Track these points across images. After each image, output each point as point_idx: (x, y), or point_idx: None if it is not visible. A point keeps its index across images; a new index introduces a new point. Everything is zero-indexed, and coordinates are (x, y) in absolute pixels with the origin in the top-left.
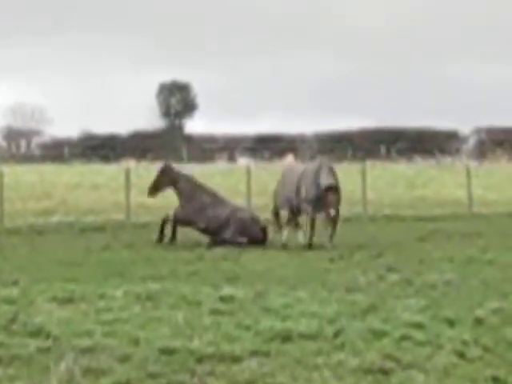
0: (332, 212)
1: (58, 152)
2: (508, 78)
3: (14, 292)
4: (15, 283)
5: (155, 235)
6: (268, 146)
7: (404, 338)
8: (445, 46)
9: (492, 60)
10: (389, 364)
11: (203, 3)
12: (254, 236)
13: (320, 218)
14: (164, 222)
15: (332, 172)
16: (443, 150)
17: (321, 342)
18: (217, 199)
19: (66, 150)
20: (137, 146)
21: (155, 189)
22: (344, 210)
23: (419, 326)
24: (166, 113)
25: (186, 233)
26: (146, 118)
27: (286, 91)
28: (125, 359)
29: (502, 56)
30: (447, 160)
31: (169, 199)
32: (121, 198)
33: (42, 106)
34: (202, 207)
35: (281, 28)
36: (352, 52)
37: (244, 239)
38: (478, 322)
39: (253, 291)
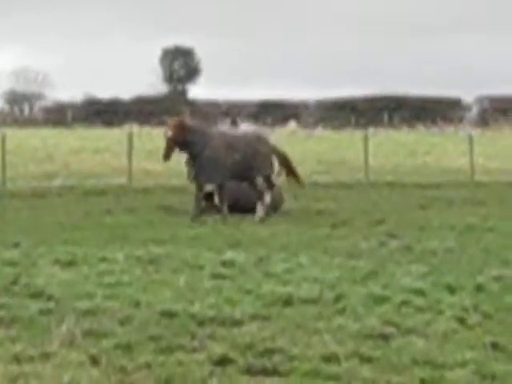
0: None
1: (60, 116)
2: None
3: (16, 254)
4: (17, 245)
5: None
6: (271, 112)
7: (404, 303)
8: (448, 16)
9: (496, 30)
10: (389, 329)
11: None
12: None
13: None
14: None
15: None
16: (446, 118)
17: (321, 307)
18: None
19: (69, 114)
20: (140, 110)
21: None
22: (346, 176)
23: (419, 292)
24: (169, 78)
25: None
26: (149, 83)
27: (289, 58)
28: (126, 322)
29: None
30: (450, 128)
31: (170, 165)
32: (123, 162)
33: (46, 70)
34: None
35: None
36: (356, 23)
37: None
38: (479, 288)
39: (254, 256)
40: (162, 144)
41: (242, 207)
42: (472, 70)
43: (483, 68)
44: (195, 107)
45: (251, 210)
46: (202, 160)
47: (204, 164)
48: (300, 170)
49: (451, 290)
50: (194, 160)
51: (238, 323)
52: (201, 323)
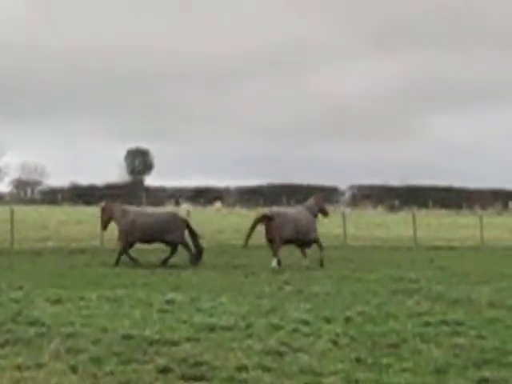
0: None
1: (53, 197)
2: (360, 153)
3: (20, 294)
4: (20, 288)
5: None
6: (203, 196)
7: (295, 330)
8: (312, 126)
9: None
10: (283, 348)
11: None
12: None
13: None
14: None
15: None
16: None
17: (236, 332)
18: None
19: (59, 196)
20: (110, 194)
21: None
22: (255, 240)
23: (306, 322)
24: (132, 171)
25: (141, 253)
26: (117, 174)
27: (216, 156)
28: (97, 342)
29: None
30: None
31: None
32: (97, 230)
33: (43, 164)
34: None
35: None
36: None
37: None
38: (348, 320)
39: (189, 296)
40: None
41: None
42: (345, 168)
43: (353, 166)
44: (149, 192)
45: None
46: None
47: None
48: (223, 236)
49: (328, 321)
50: None
51: (176, 343)
52: (150, 343)
